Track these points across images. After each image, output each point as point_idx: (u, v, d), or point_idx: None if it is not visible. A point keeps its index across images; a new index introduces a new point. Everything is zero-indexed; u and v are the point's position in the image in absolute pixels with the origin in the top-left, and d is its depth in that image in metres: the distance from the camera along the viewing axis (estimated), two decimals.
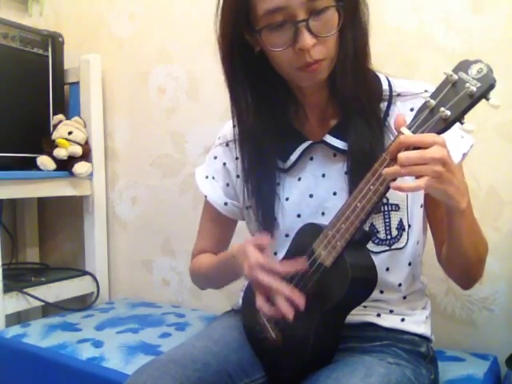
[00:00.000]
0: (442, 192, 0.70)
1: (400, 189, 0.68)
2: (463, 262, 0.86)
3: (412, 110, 0.88)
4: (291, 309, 0.78)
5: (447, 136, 0.71)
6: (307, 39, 0.79)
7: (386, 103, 0.90)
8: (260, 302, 0.82)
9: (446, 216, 0.79)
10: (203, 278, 1.10)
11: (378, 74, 0.92)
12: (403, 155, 0.68)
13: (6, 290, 1.50)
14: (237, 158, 1.03)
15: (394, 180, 0.71)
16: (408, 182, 0.70)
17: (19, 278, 1.65)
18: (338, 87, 0.86)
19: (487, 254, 0.89)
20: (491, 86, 0.66)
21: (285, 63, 0.84)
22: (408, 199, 0.89)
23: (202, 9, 1.60)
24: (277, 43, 0.82)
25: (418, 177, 0.68)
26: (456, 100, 0.68)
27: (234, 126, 1.05)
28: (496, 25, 1.19)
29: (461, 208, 0.73)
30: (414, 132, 0.70)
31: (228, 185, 1.06)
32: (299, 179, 0.95)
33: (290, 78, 0.89)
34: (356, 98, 0.86)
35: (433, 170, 0.67)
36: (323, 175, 0.93)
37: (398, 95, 0.91)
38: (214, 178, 1.07)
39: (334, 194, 0.91)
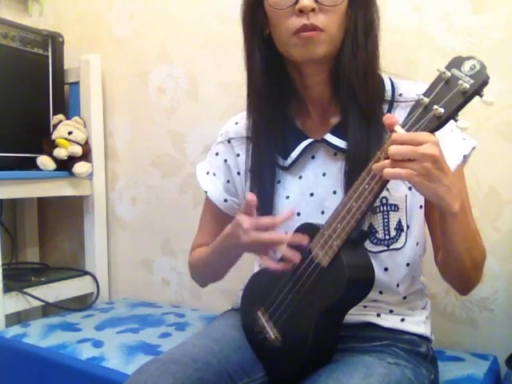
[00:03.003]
0: (430, 190, 0.69)
1: (383, 174, 0.68)
2: (458, 267, 0.85)
3: None
4: (297, 253, 0.81)
5: (449, 139, 0.69)
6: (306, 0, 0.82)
7: (387, 106, 0.90)
8: (266, 261, 0.84)
9: (439, 219, 0.79)
10: (201, 268, 1.08)
11: (382, 74, 0.92)
12: (393, 147, 0.67)
13: (6, 290, 1.50)
14: (238, 155, 1.03)
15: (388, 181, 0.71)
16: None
17: (19, 278, 1.64)
18: (342, 81, 0.87)
19: (484, 261, 0.88)
20: (484, 83, 0.66)
21: (283, 27, 0.86)
22: (407, 200, 0.89)
23: (202, 9, 1.60)
24: (280, 2, 0.86)
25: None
26: (449, 97, 0.67)
27: (236, 123, 1.05)
28: (496, 25, 1.19)
29: (453, 210, 0.72)
30: (407, 130, 0.70)
31: (228, 181, 1.06)
32: (300, 177, 0.95)
33: (287, 52, 0.89)
34: (358, 96, 0.86)
35: (421, 166, 0.66)
36: (324, 174, 0.93)
37: (400, 95, 0.90)
38: (214, 174, 1.07)
39: (334, 192, 0.91)
